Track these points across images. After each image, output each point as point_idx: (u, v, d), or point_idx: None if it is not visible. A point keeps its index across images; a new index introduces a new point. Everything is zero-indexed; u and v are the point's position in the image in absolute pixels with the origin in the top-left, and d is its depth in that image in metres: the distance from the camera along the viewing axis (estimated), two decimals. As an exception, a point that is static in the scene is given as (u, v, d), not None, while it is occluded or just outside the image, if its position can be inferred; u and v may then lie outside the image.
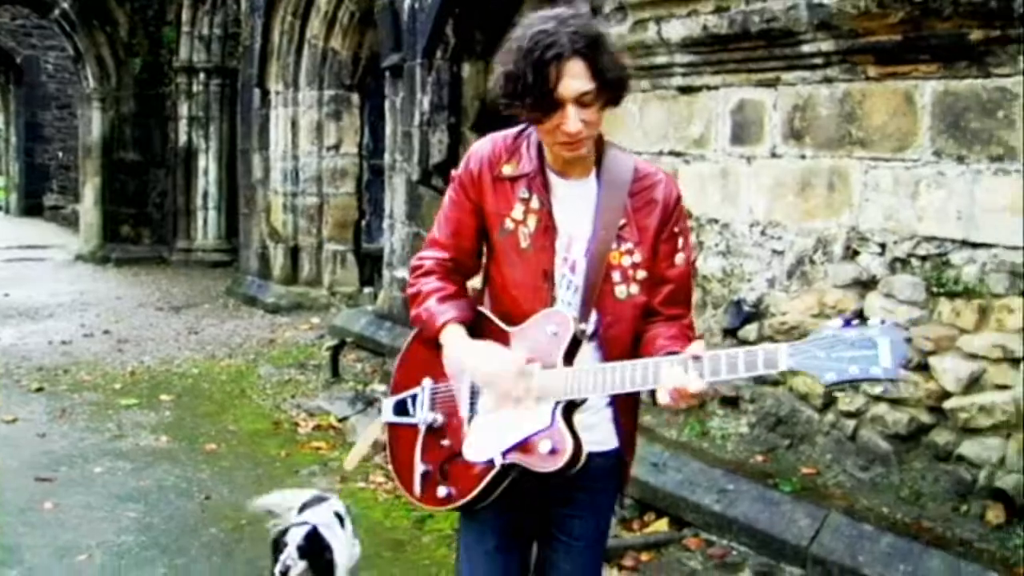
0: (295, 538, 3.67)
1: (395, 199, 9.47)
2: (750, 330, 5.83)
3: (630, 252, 2.62)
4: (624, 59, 2.64)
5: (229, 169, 16.30)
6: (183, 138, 16.79)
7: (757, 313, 5.86)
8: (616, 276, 2.62)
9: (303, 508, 4.08)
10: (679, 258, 2.67)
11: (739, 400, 5.78)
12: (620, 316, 2.65)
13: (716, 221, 6.27)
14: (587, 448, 2.53)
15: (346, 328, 9.93)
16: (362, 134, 12.60)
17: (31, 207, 25.75)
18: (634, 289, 2.65)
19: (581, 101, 2.44)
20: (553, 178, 2.67)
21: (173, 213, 17.30)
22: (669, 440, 5.68)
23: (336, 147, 12.52)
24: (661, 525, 5.21)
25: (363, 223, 12.90)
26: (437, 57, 7.88)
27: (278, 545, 3.68)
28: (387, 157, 9.59)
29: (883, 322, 2.26)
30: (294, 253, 12.87)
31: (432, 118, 7.93)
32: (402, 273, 9.35)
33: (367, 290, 11.98)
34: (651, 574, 4.67)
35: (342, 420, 7.37)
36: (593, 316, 2.64)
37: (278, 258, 12.93)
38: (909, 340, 2.32)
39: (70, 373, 9.09)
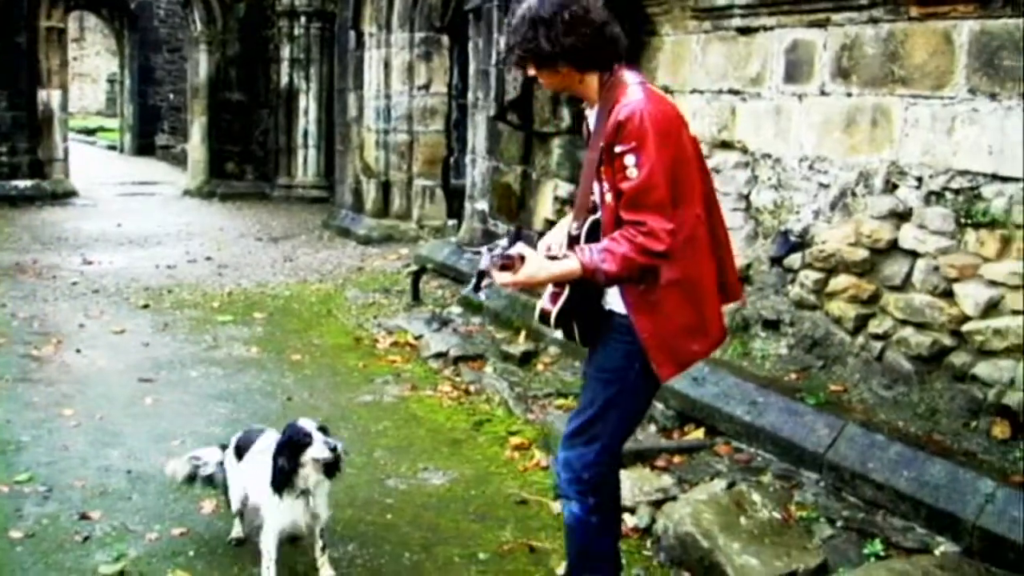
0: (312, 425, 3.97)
1: (476, 135, 9.91)
2: (795, 259, 6.16)
3: (610, 167, 3.23)
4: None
5: (328, 109, 16.88)
6: (285, 79, 17.47)
7: (803, 243, 6.18)
8: (599, 187, 3.33)
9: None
10: (631, 172, 3.16)
11: (780, 323, 6.13)
12: (605, 220, 3.32)
13: (769, 156, 6.58)
14: (607, 307, 3.41)
15: (430, 257, 10.47)
16: (451, 74, 13.07)
17: (144, 147, 26.82)
18: (608, 198, 3.29)
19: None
20: (587, 109, 3.48)
21: (275, 151, 18.07)
22: (712, 358, 6.04)
23: (426, 87, 13.04)
24: (697, 434, 5.63)
25: (451, 160, 13.41)
26: (513, -1, 8.27)
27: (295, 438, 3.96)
28: (470, 95, 10.05)
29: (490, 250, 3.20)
30: (385, 188, 13.47)
31: (507, 57, 8.35)
32: (482, 205, 9.84)
33: (452, 223, 12.50)
34: (680, 473, 5.10)
35: (418, 338, 7.91)
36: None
37: (370, 192, 13.55)
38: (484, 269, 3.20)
39: (173, 293, 9.84)
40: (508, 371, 6.94)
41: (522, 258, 3.19)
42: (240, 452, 4.27)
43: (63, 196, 16.84)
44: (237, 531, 4.45)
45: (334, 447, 3.89)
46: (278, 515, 3.94)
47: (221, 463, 4.41)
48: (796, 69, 6.33)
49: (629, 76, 3.33)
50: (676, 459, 5.33)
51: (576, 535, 3.58)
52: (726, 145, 6.94)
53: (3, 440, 5.61)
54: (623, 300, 3.35)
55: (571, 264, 3.21)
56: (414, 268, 9.86)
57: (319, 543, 4.07)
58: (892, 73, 5.67)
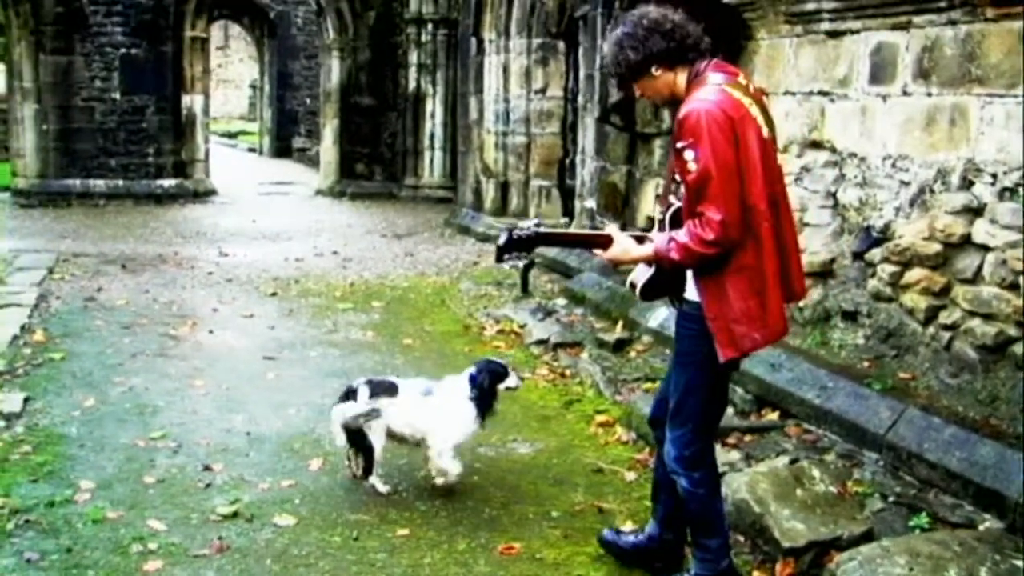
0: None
1: (586, 136, 10.36)
2: (875, 254, 6.41)
3: (679, 160, 3.60)
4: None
5: (453, 113, 17.50)
6: (412, 84, 18.21)
7: (884, 238, 6.43)
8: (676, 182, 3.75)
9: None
10: (691, 166, 3.51)
11: (858, 315, 6.40)
12: (684, 209, 3.66)
13: (855, 155, 6.84)
14: (686, 294, 3.82)
15: (543, 253, 10.95)
16: (567, 78, 13.53)
17: (281, 149, 28.09)
18: (682, 189, 3.68)
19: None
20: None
21: (403, 152, 18.83)
22: (790, 347, 6.38)
23: (543, 91, 13.54)
24: (772, 416, 5.96)
25: (567, 161, 13.87)
26: (615, 6, 8.70)
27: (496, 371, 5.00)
28: (580, 99, 10.50)
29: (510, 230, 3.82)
30: (504, 188, 14.03)
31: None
32: (590, 203, 10.27)
33: (565, 220, 12.96)
34: (748, 450, 5.45)
35: (522, 326, 8.40)
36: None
37: (489, 192, 14.13)
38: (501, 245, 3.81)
39: (300, 283, 10.57)
40: (602, 357, 7.36)
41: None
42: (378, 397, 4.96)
43: (204, 195, 17.91)
44: (383, 485, 5.01)
45: (522, 377, 5.07)
46: (461, 433, 4.92)
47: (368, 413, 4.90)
48: (880, 70, 6.58)
49: (713, 76, 3.63)
50: (747, 438, 5.67)
51: (690, 505, 3.98)
52: (816, 145, 7.22)
53: (142, 404, 6.32)
54: (695, 285, 3.72)
55: (647, 249, 3.67)
56: (524, 262, 10.35)
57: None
58: (969, 73, 5.89)
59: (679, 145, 3.56)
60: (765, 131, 3.63)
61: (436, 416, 4.93)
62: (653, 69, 3.70)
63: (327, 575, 4.13)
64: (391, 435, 4.98)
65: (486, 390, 4.91)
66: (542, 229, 3.86)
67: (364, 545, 4.41)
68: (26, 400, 6.23)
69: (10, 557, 4.20)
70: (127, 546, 4.33)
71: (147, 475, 5.15)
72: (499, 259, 3.87)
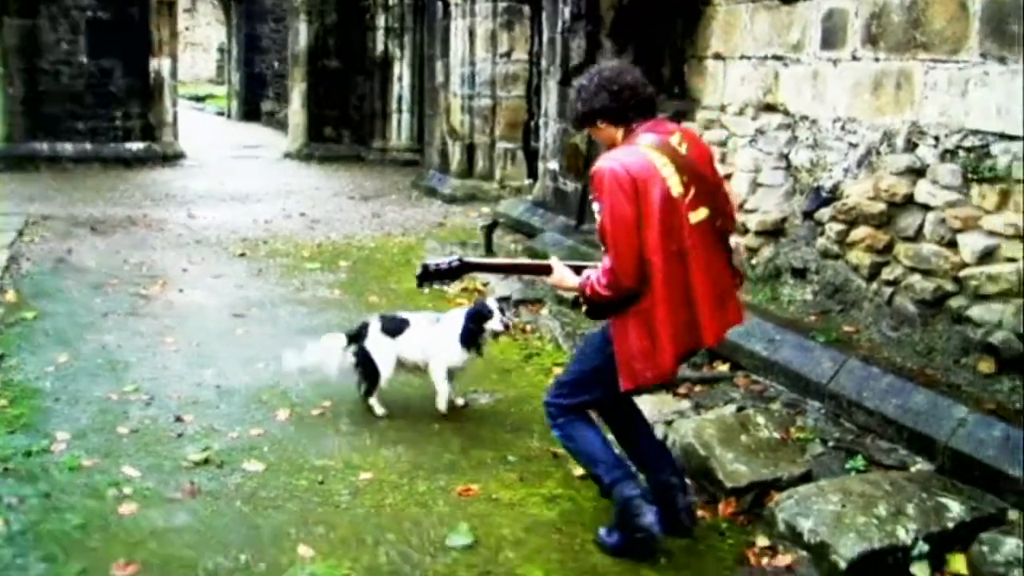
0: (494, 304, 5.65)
1: (549, 99, 10.52)
2: (824, 213, 6.66)
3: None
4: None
5: (421, 76, 17.64)
6: (380, 47, 18.30)
7: (833, 198, 6.67)
8: None
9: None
10: (597, 217, 3.95)
11: (807, 271, 6.66)
12: None
13: (807, 118, 7.09)
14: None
15: (507, 214, 11.15)
16: (532, 42, 13.68)
17: (249, 112, 28.03)
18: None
19: None
20: None
21: (370, 116, 18.93)
22: (742, 302, 6.63)
23: (508, 54, 13.70)
24: (722, 368, 6.22)
25: (532, 123, 14.04)
26: (576, -30, 8.87)
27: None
28: (543, 62, 10.66)
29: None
30: (470, 150, 14.21)
31: (572, 25, 8.97)
32: (553, 165, 10.46)
33: (531, 182, 13.16)
34: (698, 399, 5.71)
35: (485, 284, 8.61)
36: None
37: (455, 154, 14.30)
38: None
39: (268, 244, 10.74)
40: (562, 313, 7.58)
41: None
42: (392, 332, 5.64)
43: (172, 158, 17.95)
44: (381, 408, 5.66)
45: (507, 323, 5.54)
46: (454, 359, 5.55)
47: (360, 347, 5.65)
48: (831, 36, 6.81)
49: (643, 137, 3.98)
50: (697, 388, 5.93)
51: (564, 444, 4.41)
52: (770, 108, 7.45)
53: (115, 360, 6.50)
54: (611, 322, 4.11)
55: (575, 282, 4.10)
56: (486, 222, 10.56)
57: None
58: (914, 39, 6.12)
59: (590, 198, 4.04)
60: (676, 190, 3.90)
61: (436, 342, 5.61)
62: (598, 122, 4.09)
63: (294, 515, 4.35)
64: (401, 364, 5.68)
65: (469, 326, 5.49)
66: (468, 259, 4.50)
67: (329, 488, 4.64)
68: (0, 357, 6.39)
69: (-9, 502, 4.41)
70: (103, 491, 4.54)
71: (121, 426, 5.35)
72: (419, 286, 4.57)
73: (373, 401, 5.66)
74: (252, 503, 4.46)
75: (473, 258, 4.67)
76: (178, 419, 5.46)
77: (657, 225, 3.85)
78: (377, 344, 5.64)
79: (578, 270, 4.16)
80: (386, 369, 5.63)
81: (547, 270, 4.30)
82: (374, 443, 5.22)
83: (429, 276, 4.51)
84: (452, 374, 5.69)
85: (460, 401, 5.81)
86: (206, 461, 4.89)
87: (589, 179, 3.99)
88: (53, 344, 6.81)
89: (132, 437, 5.21)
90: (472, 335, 5.53)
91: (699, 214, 3.98)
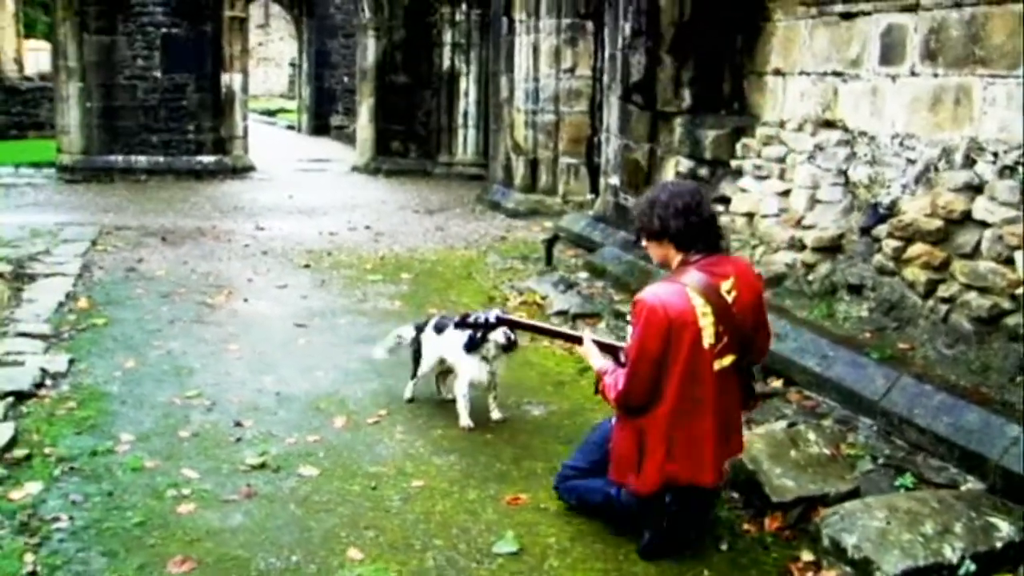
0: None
1: (611, 115, 10.59)
2: (881, 229, 6.63)
3: None
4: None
5: (487, 91, 17.78)
6: (447, 63, 18.51)
7: (890, 215, 6.65)
8: None
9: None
10: (629, 338, 4.21)
11: (863, 288, 6.63)
12: None
13: (865, 134, 7.08)
14: None
15: (568, 228, 11.22)
16: (595, 58, 13.75)
17: (319, 127, 28.48)
18: None
19: None
20: None
21: (437, 130, 19.15)
22: (797, 318, 6.63)
23: (571, 70, 13.79)
24: (776, 383, 6.22)
25: (595, 139, 14.11)
26: (639, -14, 8.94)
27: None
28: (605, 78, 10.74)
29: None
30: (533, 165, 14.33)
31: (632, 42, 9.03)
32: (615, 180, 10.52)
33: (589, 196, 13.24)
34: (749, 416, 5.70)
35: (544, 298, 8.71)
36: None
37: (519, 169, 14.43)
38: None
39: (332, 256, 10.94)
40: (618, 327, 7.63)
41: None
42: (439, 330, 5.95)
43: (242, 171, 18.35)
44: (409, 392, 6.13)
45: (510, 337, 5.60)
46: (470, 369, 5.67)
47: (416, 337, 6.10)
48: (890, 51, 6.80)
49: (688, 275, 4.14)
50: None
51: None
52: (829, 124, 7.45)
53: (179, 366, 6.70)
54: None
55: (599, 367, 4.40)
56: (547, 236, 10.65)
57: (492, 393, 5.83)
58: (973, 54, 6.11)
59: (629, 319, 4.27)
60: (707, 340, 4.05)
61: (456, 350, 5.81)
62: (664, 240, 4.23)
63: (346, 519, 4.46)
64: (442, 362, 5.99)
65: (474, 336, 5.59)
66: (505, 316, 4.97)
67: (381, 494, 4.75)
68: (71, 361, 6.63)
69: (57, 499, 4.58)
70: (163, 491, 4.70)
71: (182, 430, 5.52)
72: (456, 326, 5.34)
73: (409, 384, 6.14)
74: (305, 506, 4.58)
75: (511, 315, 5.28)
76: (237, 424, 5.62)
77: (680, 371, 4.06)
78: (427, 339, 6.02)
79: (608, 348, 4.52)
80: (426, 362, 6.03)
81: (578, 341, 4.69)
82: (427, 451, 5.32)
83: (466, 325, 5.22)
84: (479, 385, 5.81)
85: (496, 415, 5.84)
86: (263, 465, 5.03)
87: (633, 304, 4.19)
88: (121, 349, 7.03)
89: (193, 440, 5.37)
90: (474, 342, 5.63)
91: (724, 361, 4.16)
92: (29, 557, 3.99)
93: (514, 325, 5.32)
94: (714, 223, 4.30)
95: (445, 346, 5.88)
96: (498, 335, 5.56)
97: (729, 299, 4.13)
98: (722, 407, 4.20)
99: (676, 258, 4.24)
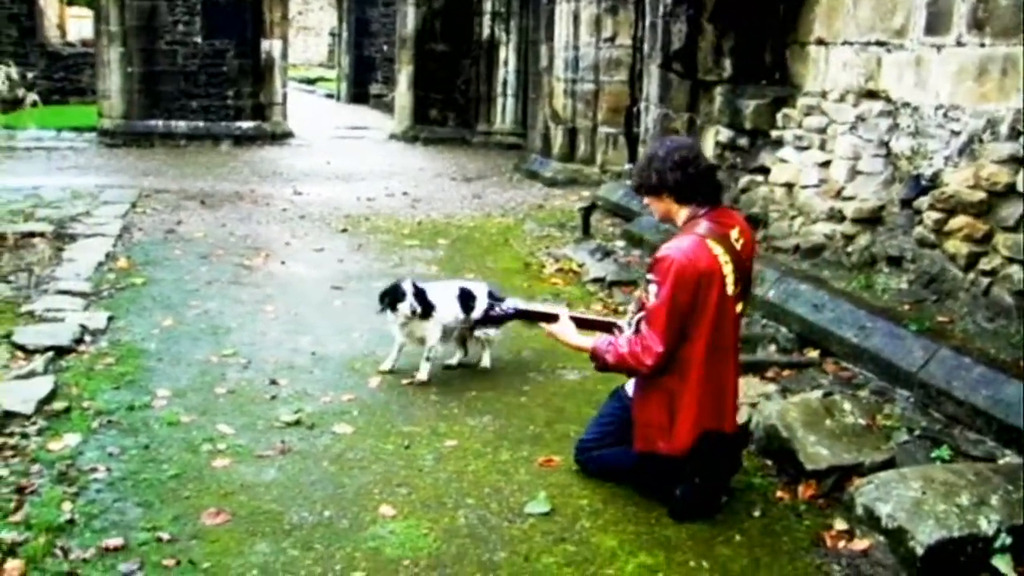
0: (408, 287, 5.67)
1: (650, 84, 10.52)
2: (922, 201, 6.55)
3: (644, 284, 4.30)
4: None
5: (526, 60, 17.70)
6: (486, 31, 18.45)
7: (932, 187, 6.56)
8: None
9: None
10: (651, 299, 4.11)
11: (903, 260, 6.56)
12: None
13: (908, 105, 6.96)
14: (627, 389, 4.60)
15: (606, 197, 11.21)
16: (636, 27, 13.62)
17: (358, 95, 28.49)
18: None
19: None
20: None
21: (476, 99, 19.12)
22: (835, 289, 6.58)
23: (611, 39, 13.69)
24: (812, 354, 6.18)
25: (634, 109, 14.01)
26: (681, -46, 8.84)
27: (396, 292, 5.69)
28: (645, 47, 10.66)
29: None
30: (572, 134, 14.27)
31: (673, 10, 8.93)
32: (652, 151, 10.46)
33: (627, 166, 13.14)
34: (785, 383, 5.69)
35: (581, 265, 8.69)
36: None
37: (558, 138, 14.37)
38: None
39: (369, 221, 10.97)
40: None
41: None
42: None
43: (281, 137, 18.40)
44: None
45: (414, 309, 5.61)
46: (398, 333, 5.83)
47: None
48: (936, 21, 6.67)
49: (701, 226, 4.14)
50: (785, 373, 5.91)
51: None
52: (871, 95, 7.34)
53: (216, 325, 6.76)
54: (634, 382, 4.40)
55: (586, 343, 4.39)
56: (584, 204, 10.62)
57: (424, 355, 5.82)
58: (1022, 23, 5.98)
59: (648, 278, 4.17)
60: (730, 288, 4.11)
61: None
62: (664, 195, 4.22)
63: (379, 477, 4.49)
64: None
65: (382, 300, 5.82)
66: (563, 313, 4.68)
67: (414, 453, 4.77)
68: (110, 319, 6.70)
69: (95, 451, 4.64)
70: (198, 445, 4.75)
71: (218, 387, 5.57)
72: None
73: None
74: (339, 463, 4.61)
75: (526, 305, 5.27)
76: (273, 382, 5.66)
77: (709, 321, 4.07)
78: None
79: (593, 324, 4.58)
80: (432, 335, 5.91)
81: (555, 318, 4.58)
82: (461, 413, 5.33)
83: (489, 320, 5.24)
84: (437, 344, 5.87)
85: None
86: (297, 422, 5.07)
87: (654, 261, 4.15)
88: (159, 308, 7.10)
89: (228, 397, 5.42)
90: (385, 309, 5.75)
91: (739, 307, 4.24)
92: (67, 505, 4.05)
93: (530, 316, 5.09)
94: (712, 175, 4.34)
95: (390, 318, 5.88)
96: (404, 306, 5.65)
97: (738, 247, 4.19)
98: (737, 354, 4.33)
99: (681, 212, 4.26)
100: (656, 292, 4.08)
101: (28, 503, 4.06)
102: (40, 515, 3.95)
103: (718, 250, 4.08)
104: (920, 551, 3.90)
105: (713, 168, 4.36)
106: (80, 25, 30.15)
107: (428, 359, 5.81)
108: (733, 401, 4.31)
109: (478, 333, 6.01)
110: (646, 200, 4.43)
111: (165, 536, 3.86)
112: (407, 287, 5.68)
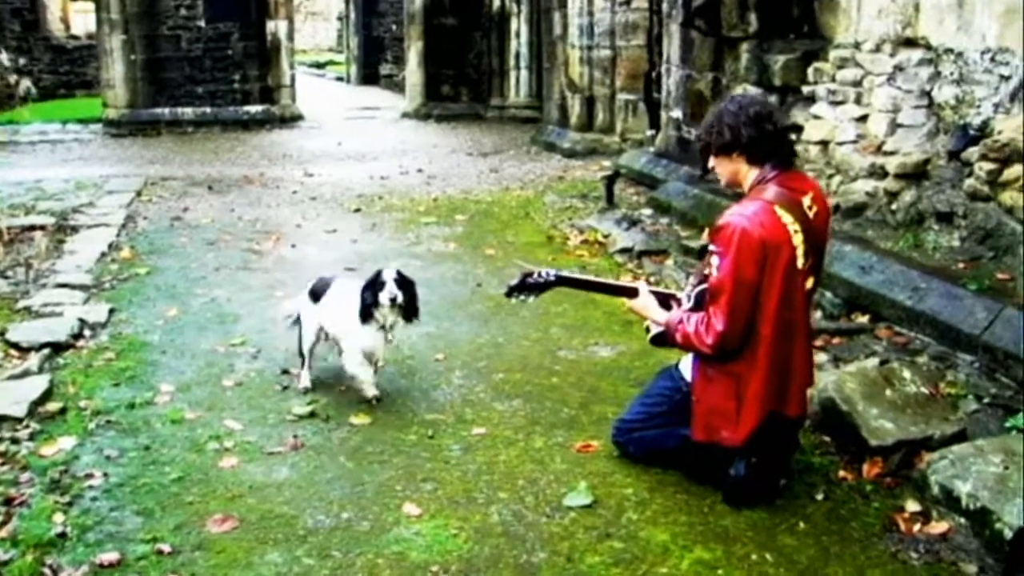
0: (390, 275, 4.77)
1: (671, 45, 10.07)
2: (972, 152, 6.10)
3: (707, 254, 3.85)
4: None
5: (539, 31, 17.21)
6: (496, 3, 17.98)
7: (981, 136, 6.11)
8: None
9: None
10: (713, 272, 3.71)
11: (953, 216, 6.12)
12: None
13: (951, 51, 6.50)
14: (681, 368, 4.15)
15: (628, 166, 10.76)
16: (652, -11, 13.14)
17: (368, 76, 28.02)
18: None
19: None
20: None
21: (488, 73, 18.66)
22: (882, 249, 6.14)
23: (627, 2, 13.17)
24: (861, 319, 5.75)
25: (653, 73, 13.53)
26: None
27: (376, 281, 4.76)
28: (664, 5, 10.19)
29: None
30: (589, 103, 13.80)
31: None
32: (677, 113, 10.01)
33: (649, 133, 12.68)
34: (836, 352, 5.27)
35: (607, 236, 8.27)
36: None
37: (575, 107, 13.91)
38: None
39: (383, 200, 10.55)
40: (687, 264, 7.19)
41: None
42: (316, 296, 5.06)
43: (290, 120, 17.98)
44: (306, 381, 5.07)
45: (395, 296, 4.69)
46: (360, 340, 4.79)
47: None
48: (982, -43, 6.21)
49: (770, 191, 3.72)
50: (835, 340, 5.49)
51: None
52: (910, 42, 6.87)
53: (224, 313, 6.38)
54: (692, 366, 3.96)
55: (662, 316, 3.97)
56: (607, 173, 10.18)
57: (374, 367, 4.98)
58: (1078, -46, 5.52)
59: (711, 248, 3.74)
60: (800, 260, 3.69)
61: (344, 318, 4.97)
62: (735, 154, 3.80)
63: (401, 471, 4.10)
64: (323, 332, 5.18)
65: (364, 296, 4.84)
66: (564, 273, 4.30)
67: (439, 443, 4.38)
68: (111, 311, 6.32)
69: (91, 455, 4.26)
70: (203, 444, 4.37)
71: (226, 379, 5.19)
72: (508, 295, 4.32)
73: (303, 372, 5.12)
74: (357, 458, 4.23)
75: (569, 273, 4.53)
76: (284, 372, 5.28)
77: (777, 296, 3.67)
78: (304, 307, 5.16)
79: (663, 298, 4.09)
80: (306, 336, 5.10)
81: (633, 292, 4.17)
82: (488, 397, 4.94)
83: (523, 288, 4.31)
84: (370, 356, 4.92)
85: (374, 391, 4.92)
86: (311, 415, 4.69)
87: (715, 229, 3.73)
88: (164, 298, 6.72)
89: (236, 390, 5.04)
90: (367, 308, 4.75)
91: (809, 283, 3.82)
92: (59, 517, 3.68)
93: (573, 283, 4.47)
94: (787, 135, 3.94)
95: (325, 314, 5.03)
96: (387, 292, 4.73)
97: (811, 215, 3.76)
98: (808, 333, 3.92)
99: (750, 175, 3.84)
100: (719, 264, 3.67)
101: (16, 516, 3.70)
102: (28, 529, 3.59)
103: (787, 218, 3.66)
104: (1009, 534, 3.49)
105: (788, 127, 3.96)
106: (85, 19, 29.78)
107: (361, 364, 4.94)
108: (800, 385, 3.87)
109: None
110: (712, 162, 3.96)
111: (166, 548, 3.48)
112: (387, 276, 4.83)
